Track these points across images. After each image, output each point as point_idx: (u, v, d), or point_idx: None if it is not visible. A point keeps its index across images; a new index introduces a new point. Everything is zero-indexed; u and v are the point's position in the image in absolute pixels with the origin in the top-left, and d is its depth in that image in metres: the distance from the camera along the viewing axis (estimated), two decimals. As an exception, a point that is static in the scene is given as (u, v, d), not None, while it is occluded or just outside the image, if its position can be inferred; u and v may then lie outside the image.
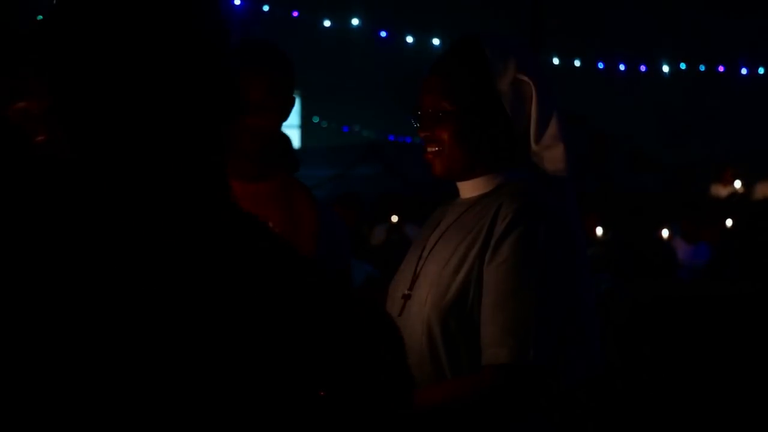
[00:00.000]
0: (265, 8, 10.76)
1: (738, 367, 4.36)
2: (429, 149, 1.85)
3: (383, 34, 11.48)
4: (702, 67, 12.21)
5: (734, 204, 7.24)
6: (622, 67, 12.12)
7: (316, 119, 15.16)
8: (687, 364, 4.42)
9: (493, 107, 1.81)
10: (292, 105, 2.23)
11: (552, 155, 1.83)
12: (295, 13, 11.33)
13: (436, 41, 11.29)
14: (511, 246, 1.69)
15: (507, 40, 1.87)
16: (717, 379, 4.35)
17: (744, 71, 12.16)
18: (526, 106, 1.82)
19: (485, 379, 1.64)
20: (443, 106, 1.82)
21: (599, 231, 6.51)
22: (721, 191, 8.20)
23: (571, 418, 1.77)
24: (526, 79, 1.81)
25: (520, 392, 1.64)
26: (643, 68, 12.12)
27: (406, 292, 1.85)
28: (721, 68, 12.06)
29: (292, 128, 16.86)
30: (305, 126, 16.20)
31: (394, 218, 7.71)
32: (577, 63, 11.96)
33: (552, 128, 1.82)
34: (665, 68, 12.13)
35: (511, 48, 1.84)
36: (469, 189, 1.88)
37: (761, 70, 12.18)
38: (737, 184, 7.70)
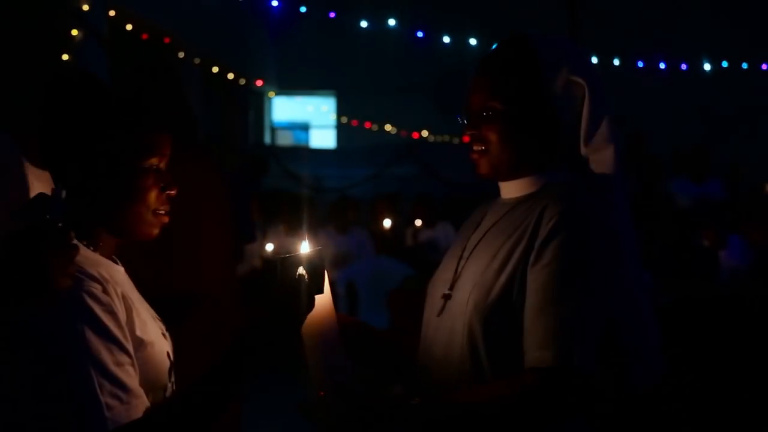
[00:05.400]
0: (302, 9, 10.79)
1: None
2: (475, 148, 1.83)
3: (420, 34, 11.46)
4: (744, 65, 12.03)
5: None
6: (662, 66, 11.98)
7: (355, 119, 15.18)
8: (725, 366, 4.36)
9: (541, 108, 1.79)
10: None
11: (601, 157, 1.81)
12: (332, 14, 11.35)
13: (472, 41, 11.25)
14: (555, 249, 1.67)
15: (558, 41, 1.84)
16: (754, 380, 4.29)
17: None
18: (578, 107, 1.81)
19: (527, 381, 1.62)
20: (492, 105, 1.80)
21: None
22: None
23: (610, 422, 1.75)
24: (579, 80, 1.79)
25: (562, 395, 1.62)
26: (684, 66, 11.97)
27: (447, 292, 1.83)
28: (764, 66, 11.87)
29: (327, 129, 16.89)
30: (340, 126, 16.23)
31: (418, 222, 7.83)
32: (616, 62, 11.84)
33: (603, 130, 1.79)
34: (707, 66, 11.96)
35: (563, 49, 1.82)
36: (511, 189, 1.86)
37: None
38: None
